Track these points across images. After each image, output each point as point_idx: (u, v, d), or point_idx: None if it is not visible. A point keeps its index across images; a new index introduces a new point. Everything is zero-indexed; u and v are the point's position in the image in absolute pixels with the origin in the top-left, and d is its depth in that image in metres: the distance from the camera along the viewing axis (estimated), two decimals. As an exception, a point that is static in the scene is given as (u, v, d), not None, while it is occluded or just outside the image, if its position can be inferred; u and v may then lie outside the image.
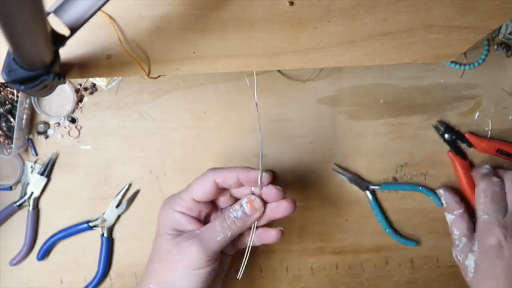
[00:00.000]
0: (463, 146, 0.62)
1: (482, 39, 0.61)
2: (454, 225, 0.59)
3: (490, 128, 0.63)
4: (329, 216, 0.63)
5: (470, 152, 0.63)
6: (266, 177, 0.48)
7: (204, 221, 0.51)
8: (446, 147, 0.63)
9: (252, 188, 0.49)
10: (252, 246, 0.49)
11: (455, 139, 0.62)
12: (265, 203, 0.49)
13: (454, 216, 0.59)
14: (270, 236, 0.49)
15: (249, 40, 0.44)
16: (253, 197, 0.48)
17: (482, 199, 0.57)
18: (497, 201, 0.56)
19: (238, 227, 0.47)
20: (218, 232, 0.46)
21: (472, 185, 0.61)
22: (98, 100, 0.59)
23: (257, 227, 0.50)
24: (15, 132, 0.55)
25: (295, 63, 0.46)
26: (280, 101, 0.61)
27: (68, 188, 0.60)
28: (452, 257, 0.60)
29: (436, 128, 0.62)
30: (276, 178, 0.62)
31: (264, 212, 0.49)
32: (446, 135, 0.61)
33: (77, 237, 0.61)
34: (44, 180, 0.59)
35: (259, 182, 0.47)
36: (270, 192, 0.48)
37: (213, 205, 0.52)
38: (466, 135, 0.62)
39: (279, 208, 0.48)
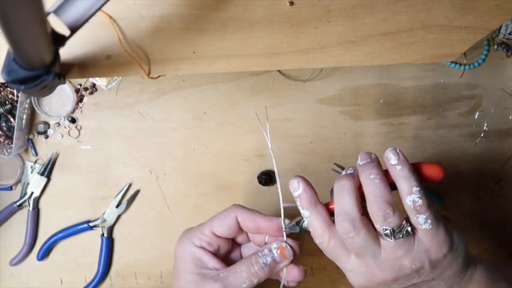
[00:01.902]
0: None
1: (482, 39, 0.61)
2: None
3: (486, 128, 0.63)
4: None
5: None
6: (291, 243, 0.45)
7: (223, 258, 0.48)
8: (446, 148, 0.63)
9: (266, 238, 0.47)
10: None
11: None
12: (294, 252, 0.45)
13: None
14: (293, 275, 0.46)
15: (249, 40, 0.44)
16: (284, 244, 0.45)
17: None
18: None
19: (265, 273, 0.44)
20: (244, 279, 0.43)
21: None
22: (98, 100, 0.59)
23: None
24: (15, 132, 0.55)
25: (295, 63, 0.46)
26: (280, 101, 0.61)
27: (68, 188, 0.60)
28: None
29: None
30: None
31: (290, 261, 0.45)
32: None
33: (77, 237, 0.61)
34: (44, 180, 0.59)
35: (283, 230, 0.45)
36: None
37: (232, 242, 0.49)
38: None
39: (289, 273, 0.46)
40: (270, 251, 0.44)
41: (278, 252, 0.44)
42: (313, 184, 0.65)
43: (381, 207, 0.39)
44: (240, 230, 0.47)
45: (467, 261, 0.42)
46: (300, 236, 0.62)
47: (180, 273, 0.46)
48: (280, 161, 0.62)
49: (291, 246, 0.45)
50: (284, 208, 0.46)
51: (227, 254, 0.49)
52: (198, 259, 0.45)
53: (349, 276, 0.44)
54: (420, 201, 0.38)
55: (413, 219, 0.39)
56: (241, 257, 0.49)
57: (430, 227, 0.39)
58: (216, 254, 0.46)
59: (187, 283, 0.44)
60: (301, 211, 0.43)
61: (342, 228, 0.40)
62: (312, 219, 0.43)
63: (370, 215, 0.40)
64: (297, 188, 0.43)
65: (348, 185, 0.41)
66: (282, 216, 0.45)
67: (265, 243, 0.47)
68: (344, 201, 0.40)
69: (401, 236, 0.39)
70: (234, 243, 0.50)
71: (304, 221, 0.44)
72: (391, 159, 0.41)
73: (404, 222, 0.39)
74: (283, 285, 0.46)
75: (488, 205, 0.65)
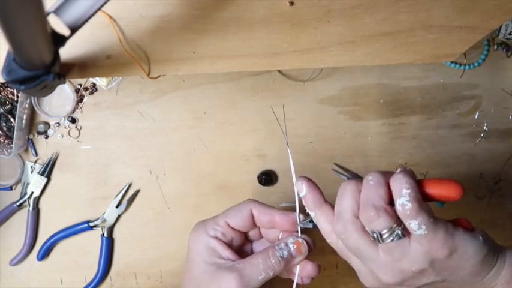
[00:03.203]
0: None
1: (482, 39, 0.61)
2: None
3: (486, 128, 0.63)
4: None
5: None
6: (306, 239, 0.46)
7: (236, 251, 0.48)
8: (446, 147, 0.63)
9: (280, 234, 0.47)
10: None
11: None
12: (309, 248, 0.46)
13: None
14: (307, 270, 0.47)
15: (249, 40, 0.44)
16: (300, 239, 0.45)
17: None
18: None
19: (281, 267, 0.44)
20: (260, 271, 0.43)
21: None
22: (98, 100, 0.59)
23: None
24: (15, 132, 0.55)
25: (295, 63, 0.46)
26: (280, 101, 0.61)
27: (68, 188, 0.60)
28: None
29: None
30: (276, 180, 0.62)
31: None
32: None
33: (77, 237, 0.61)
34: (44, 180, 0.59)
35: (298, 224, 0.45)
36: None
37: (244, 238, 0.50)
38: None
39: (303, 268, 0.47)
40: (287, 245, 0.45)
41: (295, 247, 0.45)
42: (313, 184, 0.64)
43: (365, 210, 0.38)
44: (254, 224, 0.47)
45: (488, 260, 0.39)
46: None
47: (194, 263, 0.46)
48: (280, 161, 0.62)
49: (306, 242, 0.46)
50: (287, 207, 0.46)
51: (240, 247, 0.49)
52: (213, 249, 0.45)
53: (358, 276, 0.44)
54: (409, 205, 0.37)
55: (406, 224, 0.38)
56: (253, 253, 0.49)
57: (426, 232, 0.37)
58: (229, 245, 0.47)
59: (202, 273, 0.44)
60: (308, 211, 0.44)
61: (336, 229, 0.40)
62: (318, 220, 0.43)
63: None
64: (302, 190, 0.44)
65: (349, 188, 0.41)
66: (297, 211, 0.45)
67: (279, 239, 0.47)
68: (341, 203, 0.41)
69: (391, 239, 0.38)
70: (245, 240, 0.50)
71: None
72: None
73: (395, 225, 0.38)
74: (297, 283, 0.46)
75: (488, 205, 0.65)
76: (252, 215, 0.47)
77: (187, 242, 0.47)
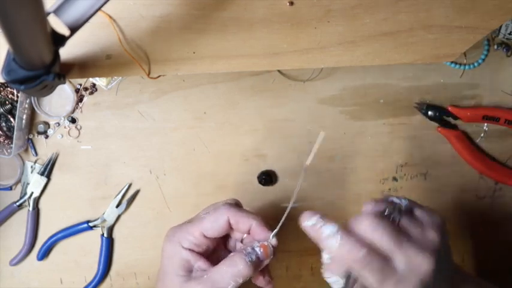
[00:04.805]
0: (449, 119, 0.62)
1: (482, 39, 0.61)
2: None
3: (486, 128, 0.63)
4: (329, 216, 0.63)
5: (457, 124, 0.63)
6: (274, 243, 0.46)
7: (210, 254, 0.48)
8: (446, 148, 0.63)
9: (245, 235, 0.47)
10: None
11: (440, 114, 0.61)
12: (274, 251, 0.46)
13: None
14: (260, 281, 0.47)
15: (249, 40, 0.44)
16: (266, 243, 0.45)
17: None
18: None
19: (250, 272, 0.44)
20: (229, 279, 0.43)
21: (473, 152, 0.61)
22: (98, 100, 0.59)
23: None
24: (15, 132, 0.55)
25: (295, 63, 0.46)
26: (280, 101, 0.61)
27: (68, 188, 0.60)
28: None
29: (417, 108, 0.62)
30: (276, 180, 0.62)
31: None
32: (429, 113, 0.61)
33: (77, 237, 0.61)
34: (44, 180, 0.59)
35: (271, 238, 0.46)
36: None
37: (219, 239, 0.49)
38: (449, 108, 0.61)
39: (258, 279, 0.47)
40: (253, 249, 0.45)
41: (261, 251, 0.45)
42: (313, 185, 0.65)
43: None
44: (230, 228, 0.47)
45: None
46: (300, 236, 0.62)
47: (165, 273, 0.45)
48: (280, 161, 0.62)
49: (272, 246, 0.46)
50: (285, 208, 0.46)
51: (214, 252, 0.49)
52: (186, 260, 0.45)
53: None
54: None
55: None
56: (226, 248, 0.49)
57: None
58: (203, 253, 0.46)
59: (172, 285, 0.44)
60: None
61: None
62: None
63: None
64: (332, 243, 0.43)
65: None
66: (278, 226, 0.46)
67: (242, 240, 0.47)
68: None
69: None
70: (221, 241, 0.50)
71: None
72: None
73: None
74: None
75: (488, 205, 0.65)
76: (229, 222, 0.46)
77: (162, 249, 0.47)
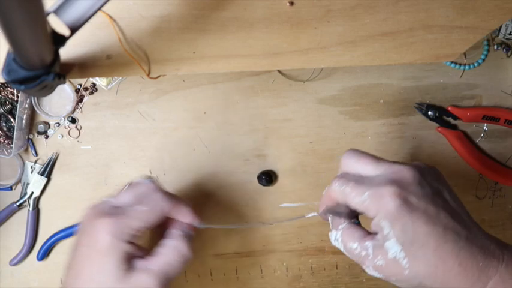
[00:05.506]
0: (449, 119, 0.62)
1: (482, 39, 0.61)
2: (347, 240, 0.43)
3: (486, 128, 0.63)
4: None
5: (457, 124, 0.63)
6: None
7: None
8: (446, 148, 0.63)
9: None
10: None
11: (440, 114, 0.61)
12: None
13: (341, 231, 0.43)
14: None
15: (249, 40, 0.44)
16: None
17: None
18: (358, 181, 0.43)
19: (191, 249, 0.46)
20: (175, 269, 0.44)
21: (473, 152, 0.61)
22: (98, 100, 0.59)
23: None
24: (15, 132, 0.55)
25: (295, 63, 0.46)
26: (280, 101, 0.61)
27: (68, 188, 0.60)
28: None
29: (417, 108, 0.62)
30: (276, 180, 0.62)
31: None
32: (429, 113, 0.61)
33: (77, 237, 0.61)
34: (44, 180, 0.59)
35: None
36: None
37: None
38: (449, 108, 0.62)
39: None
40: (187, 233, 0.47)
41: (191, 232, 0.47)
42: (313, 184, 0.65)
43: None
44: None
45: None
46: (300, 236, 0.62)
47: (102, 267, 0.43)
48: (280, 161, 0.62)
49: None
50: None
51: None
52: (127, 253, 0.43)
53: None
54: None
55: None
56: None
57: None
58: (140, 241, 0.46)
59: (112, 279, 0.42)
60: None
61: None
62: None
63: None
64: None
65: None
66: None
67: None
68: None
69: None
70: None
71: None
72: None
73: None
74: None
75: (488, 205, 0.65)
76: (164, 211, 0.46)
77: (92, 243, 0.43)
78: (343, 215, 0.43)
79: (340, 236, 0.43)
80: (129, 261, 0.43)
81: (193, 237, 0.47)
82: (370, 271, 0.41)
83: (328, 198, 0.45)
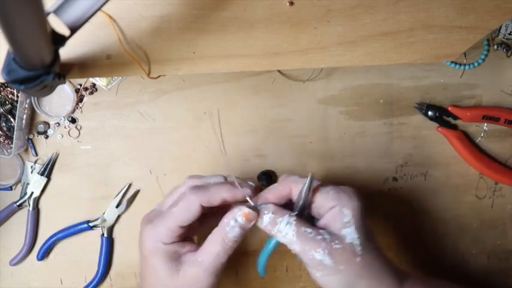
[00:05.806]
0: (449, 119, 0.63)
1: (482, 39, 0.61)
2: (301, 225, 0.45)
3: (486, 128, 0.63)
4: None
5: (457, 124, 0.63)
6: (250, 190, 0.46)
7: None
8: (446, 148, 0.63)
9: None
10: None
11: (440, 114, 0.62)
12: (257, 212, 0.45)
13: (294, 217, 0.45)
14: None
15: (249, 40, 0.44)
16: (246, 210, 0.44)
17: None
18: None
19: (238, 241, 0.45)
20: (221, 258, 0.44)
21: (473, 152, 0.61)
22: (98, 100, 0.59)
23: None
24: (15, 132, 0.55)
25: (295, 63, 0.46)
26: (280, 101, 0.61)
27: (68, 188, 0.60)
28: None
29: (417, 108, 0.62)
30: (276, 180, 0.62)
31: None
32: (429, 113, 0.61)
33: (77, 237, 0.61)
34: (44, 180, 0.59)
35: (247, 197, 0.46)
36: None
37: None
38: (449, 108, 0.62)
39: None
40: (236, 220, 0.44)
41: (243, 220, 0.44)
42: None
43: None
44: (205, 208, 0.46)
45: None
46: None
47: (155, 271, 0.45)
48: (280, 161, 0.62)
49: (252, 208, 0.45)
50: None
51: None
52: (173, 252, 0.45)
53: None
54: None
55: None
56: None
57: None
58: (186, 237, 0.47)
59: (165, 277, 0.45)
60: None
61: None
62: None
63: None
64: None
65: None
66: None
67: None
68: None
69: None
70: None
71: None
72: None
73: None
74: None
75: (488, 205, 0.65)
76: (201, 207, 0.45)
77: (142, 251, 0.46)
78: (289, 207, 0.46)
79: (294, 220, 0.44)
80: (177, 259, 0.45)
81: (247, 225, 0.45)
82: (321, 256, 0.43)
83: (277, 191, 0.47)
